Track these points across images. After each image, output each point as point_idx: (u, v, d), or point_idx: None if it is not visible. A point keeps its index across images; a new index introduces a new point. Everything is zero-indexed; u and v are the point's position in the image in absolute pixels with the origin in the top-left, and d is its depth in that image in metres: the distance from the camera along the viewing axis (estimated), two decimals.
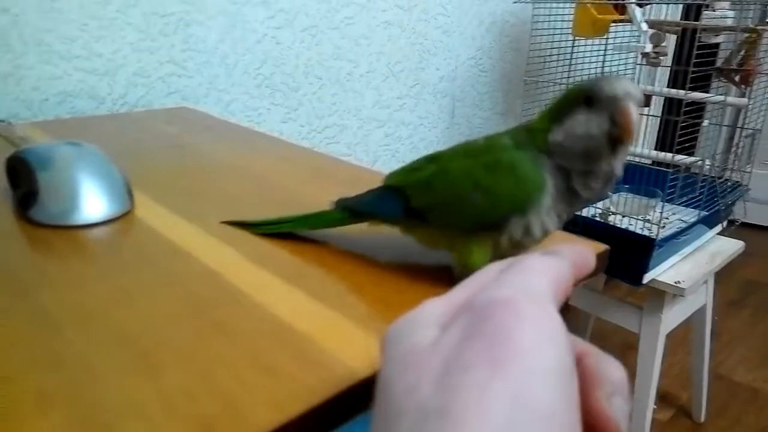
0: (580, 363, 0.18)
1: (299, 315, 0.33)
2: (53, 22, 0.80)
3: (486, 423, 0.14)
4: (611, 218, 1.25)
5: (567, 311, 0.44)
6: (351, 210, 0.40)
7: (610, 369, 0.18)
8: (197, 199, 0.51)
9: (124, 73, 0.87)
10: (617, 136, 0.31)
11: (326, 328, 0.31)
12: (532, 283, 0.19)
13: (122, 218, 0.45)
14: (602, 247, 0.43)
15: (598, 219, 1.26)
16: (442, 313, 0.19)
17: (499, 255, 0.35)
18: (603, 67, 1.26)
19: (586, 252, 0.22)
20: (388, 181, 0.39)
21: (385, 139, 1.29)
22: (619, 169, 0.33)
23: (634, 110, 0.31)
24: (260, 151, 0.67)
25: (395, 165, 1.34)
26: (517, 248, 0.35)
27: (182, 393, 0.26)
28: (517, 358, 0.15)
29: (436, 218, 0.36)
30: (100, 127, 0.76)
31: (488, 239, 0.35)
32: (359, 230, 0.43)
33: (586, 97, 0.32)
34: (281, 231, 0.42)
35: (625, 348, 1.65)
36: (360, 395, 0.28)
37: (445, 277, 0.38)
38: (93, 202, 0.44)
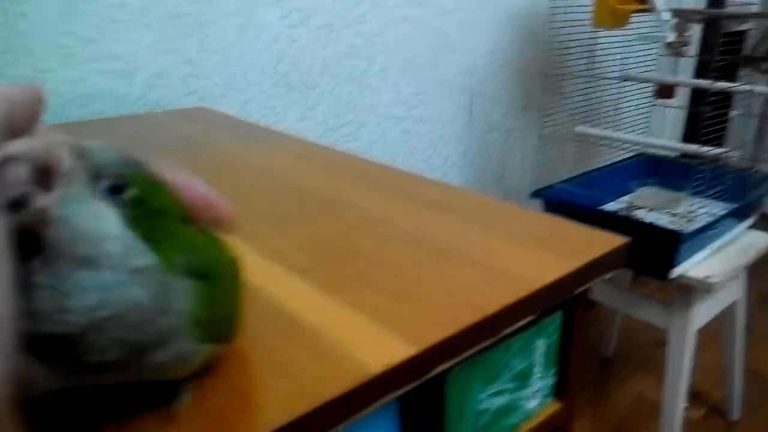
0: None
1: (311, 310, 0.32)
2: (72, 26, 0.80)
3: None
4: (636, 212, 1.22)
5: (587, 306, 0.42)
6: None
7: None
8: None
9: (142, 75, 0.88)
10: None
11: (338, 323, 0.31)
12: None
13: None
14: (622, 240, 0.41)
15: (622, 213, 1.23)
16: None
17: None
18: (625, 58, 1.23)
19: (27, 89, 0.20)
20: None
21: (403, 135, 1.28)
22: None
23: None
24: (277, 149, 0.67)
25: (414, 162, 1.33)
26: None
27: (194, 388, 0.25)
28: None
29: None
30: (121, 128, 0.77)
31: None
32: (373, 224, 0.43)
33: None
34: None
35: (654, 345, 1.61)
36: (372, 390, 0.27)
37: (465, 274, 0.37)
38: None
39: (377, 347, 0.28)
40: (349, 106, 1.16)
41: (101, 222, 0.20)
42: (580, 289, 0.39)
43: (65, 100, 0.83)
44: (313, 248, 0.40)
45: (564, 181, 1.28)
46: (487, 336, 0.33)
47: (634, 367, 1.55)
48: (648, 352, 1.52)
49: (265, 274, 0.36)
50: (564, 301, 0.40)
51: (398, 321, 0.31)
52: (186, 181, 0.24)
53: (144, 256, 0.20)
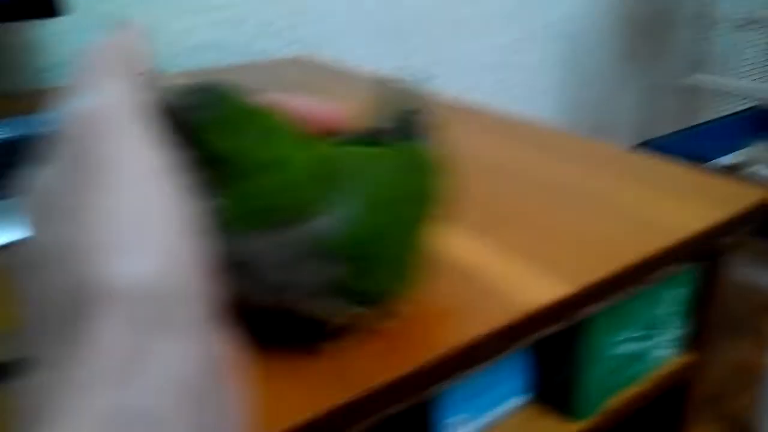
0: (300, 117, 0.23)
1: (467, 251, 0.33)
2: None
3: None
4: (752, 169, 1.13)
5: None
6: None
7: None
8: None
9: (248, 25, 0.90)
10: None
11: (496, 263, 0.31)
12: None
13: None
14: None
15: (736, 169, 1.15)
16: None
17: None
18: None
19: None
20: None
21: (498, 84, 1.24)
22: None
23: None
24: None
25: (510, 110, 1.29)
26: None
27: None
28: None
29: None
30: (228, 77, 0.79)
31: None
32: (540, 180, 0.43)
33: None
34: None
35: (760, 309, 1.52)
36: (534, 323, 0.28)
37: (623, 232, 0.36)
38: None
39: (537, 286, 0.29)
40: (445, 53, 1.14)
41: None
42: (726, 241, 0.38)
43: (177, 50, 0.86)
44: (451, 194, 0.41)
45: (670, 135, 1.21)
46: (636, 282, 0.32)
47: (735, 332, 1.48)
48: (752, 317, 1.45)
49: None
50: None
51: (553, 263, 0.31)
52: (287, 98, 0.23)
53: None
